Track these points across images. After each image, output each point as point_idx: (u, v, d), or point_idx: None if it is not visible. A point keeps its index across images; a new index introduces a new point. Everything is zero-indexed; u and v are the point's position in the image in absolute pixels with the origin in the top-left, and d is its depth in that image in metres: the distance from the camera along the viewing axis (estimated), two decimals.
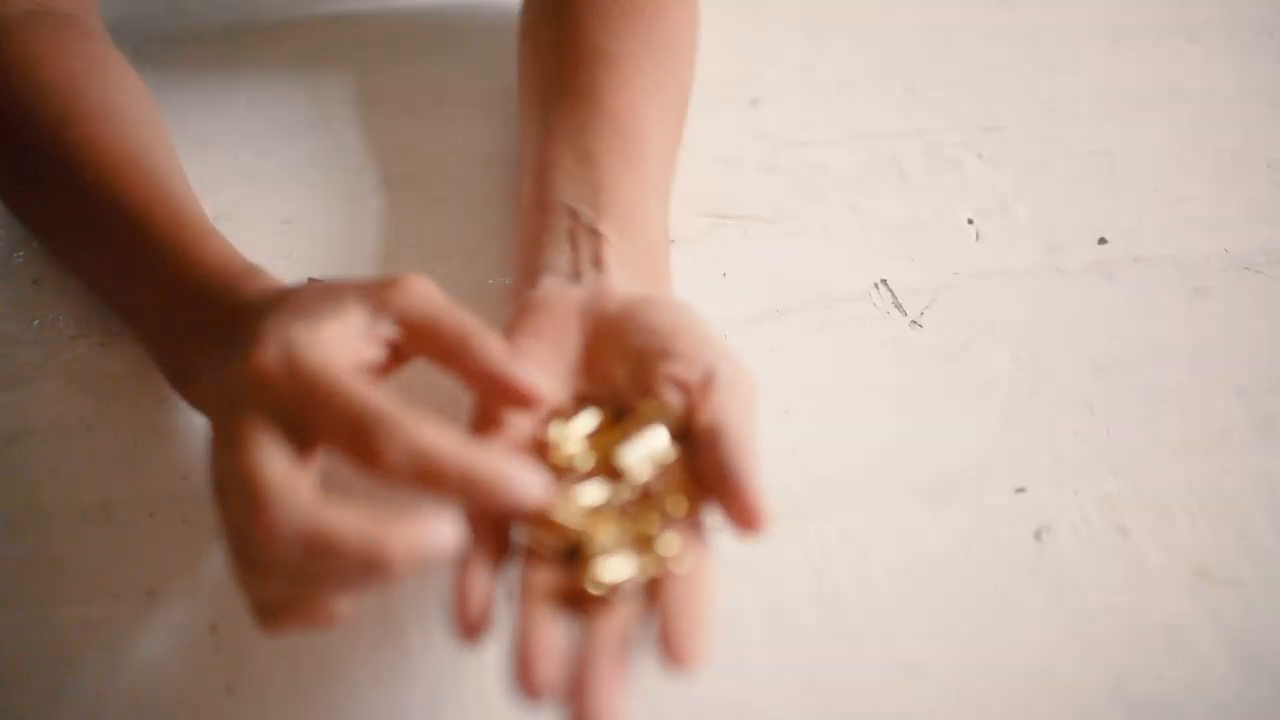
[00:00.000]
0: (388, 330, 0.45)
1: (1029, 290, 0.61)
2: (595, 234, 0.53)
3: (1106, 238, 0.63)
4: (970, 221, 0.64)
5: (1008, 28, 0.75)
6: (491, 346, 0.44)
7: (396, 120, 0.69)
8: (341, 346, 0.43)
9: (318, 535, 0.38)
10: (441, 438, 0.39)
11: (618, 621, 0.40)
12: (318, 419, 0.40)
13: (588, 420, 0.46)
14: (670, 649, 0.38)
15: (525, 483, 0.40)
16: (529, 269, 0.53)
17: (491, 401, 0.45)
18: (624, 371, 0.47)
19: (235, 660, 0.47)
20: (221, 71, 0.71)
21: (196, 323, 0.48)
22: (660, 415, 0.45)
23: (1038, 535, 0.51)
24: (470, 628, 0.39)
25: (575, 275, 0.51)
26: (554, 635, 0.40)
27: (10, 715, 0.46)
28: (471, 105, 0.69)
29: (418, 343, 0.45)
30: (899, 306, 0.60)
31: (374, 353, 0.45)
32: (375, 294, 0.44)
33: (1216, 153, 0.67)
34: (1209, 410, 0.56)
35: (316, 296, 0.45)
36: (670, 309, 0.48)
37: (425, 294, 0.45)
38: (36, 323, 0.59)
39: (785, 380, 0.57)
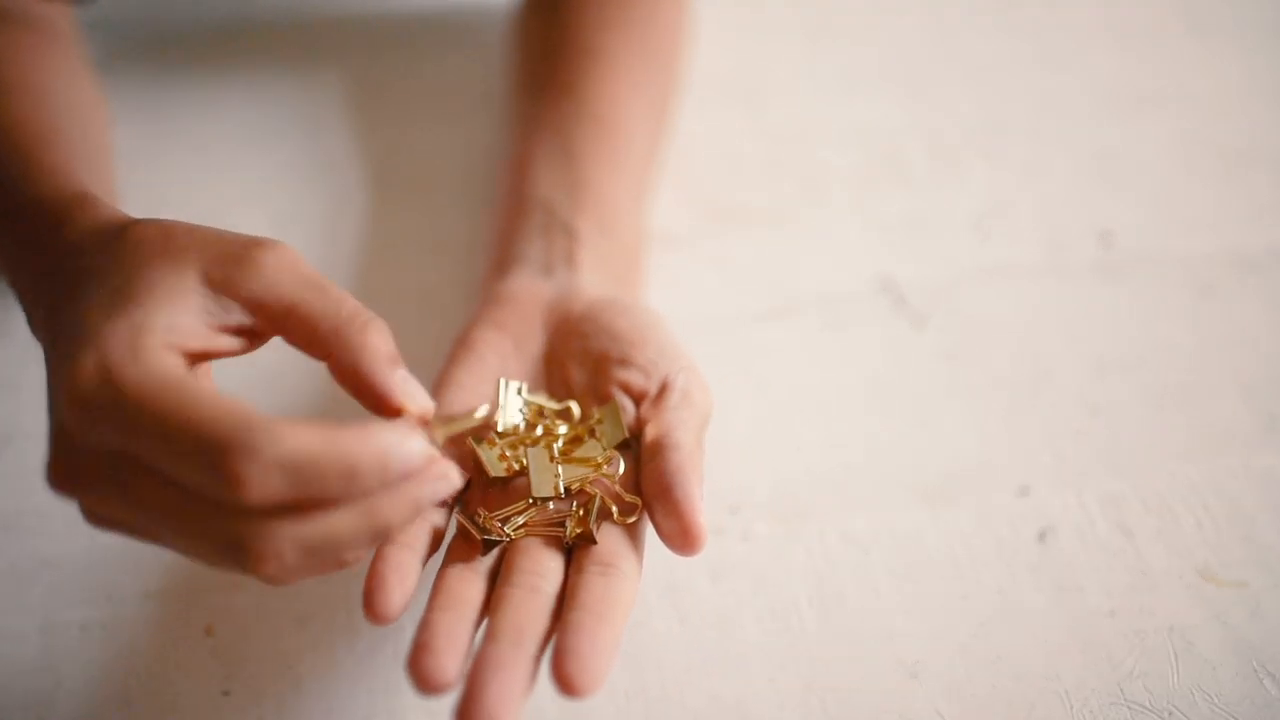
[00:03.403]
0: (238, 317, 0.39)
1: (1031, 290, 0.60)
2: (570, 230, 0.53)
3: (1110, 237, 0.63)
4: (973, 220, 0.64)
5: (1010, 25, 0.75)
6: (370, 344, 0.39)
7: (390, 119, 0.69)
8: (177, 340, 0.37)
9: (309, 468, 0.34)
10: (309, 438, 0.34)
11: (520, 615, 0.39)
12: (154, 452, 0.34)
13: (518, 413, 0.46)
14: (562, 671, 0.37)
15: (409, 452, 0.35)
16: (501, 260, 0.53)
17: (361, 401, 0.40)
18: (582, 374, 0.47)
19: (232, 663, 0.47)
20: (216, 71, 0.71)
21: (37, 259, 0.43)
22: (610, 425, 0.45)
23: (1041, 536, 0.51)
24: (380, 611, 0.38)
25: (547, 270, 0.51)
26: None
27: (6, 718, 0.46)
28: (465, 104, 0.69)
29: (276, 327, 0.39)
30: (900, 306, 0.60)
31: (222, 342, 0.39)
32: (221, 271, 0.38)
33: (1221, 151, 0.67)
34: (1213, 410, 0.55)
35: (151, 263, 0.38)
36: (634, 315, 0.48)
37: (284, 271, 0.39)
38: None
39: (786, 380, 0.57)
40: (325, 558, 0.36)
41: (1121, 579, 0.49)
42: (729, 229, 0.63)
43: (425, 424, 0.40)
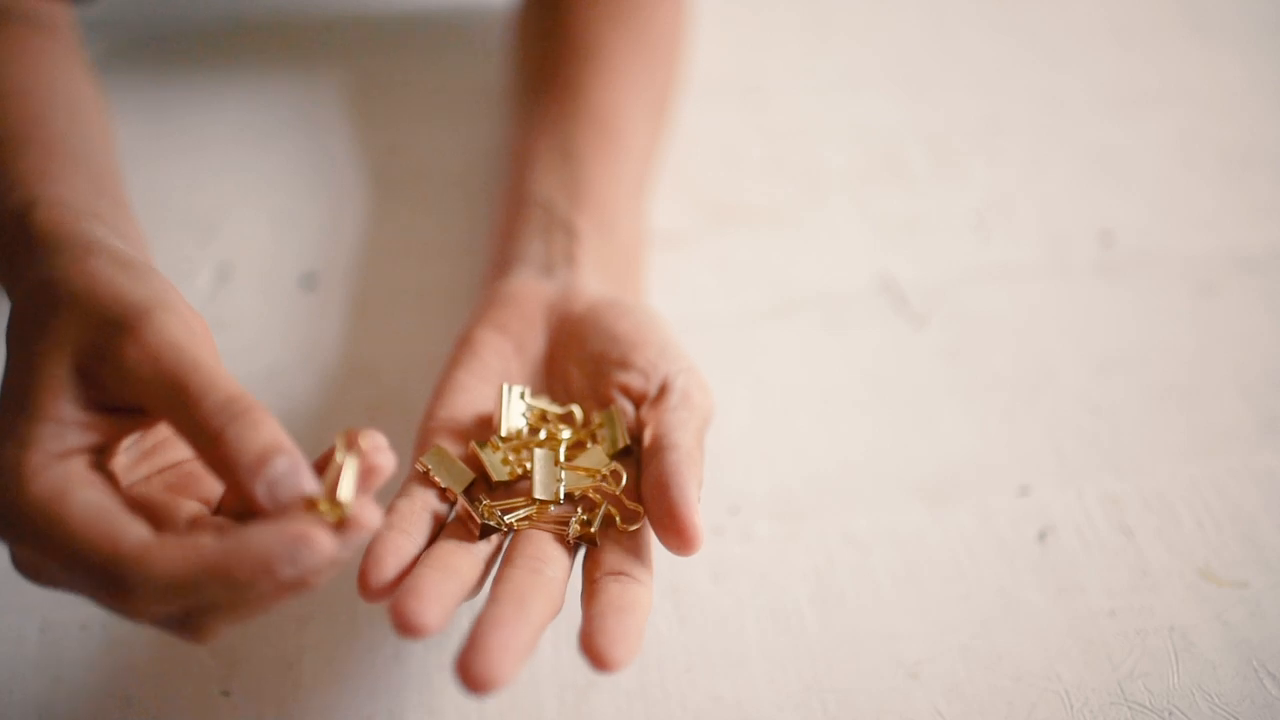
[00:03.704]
0: (117, 400, 0.37)
1: (1032, 289, 0.60)
2: (570, 228, 0.53)
3: (1110, 236, 0.63)
4: (973, 219, 0.64)
5: (1012, 24, 0.75)
6: (229, 451, 0.35)
7: (390, 119, 0.69)
8: (67, 442, 0.36)
9: (186, 586, 0.34)
10: (182, 557, 0.34)
11: (523, 587, 0.39)
12: (55, 566, 0.36)
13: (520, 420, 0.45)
14: (592, 645, 0.37)
15: (307, 556, 0.34)
16: (501, 259, 0.53)
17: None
18: (582, 377, 0.47)
19: (231, 662, 0.47)
20: (216, 70, 0.71)
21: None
22: (610, 430, 0.45)
23: (1041, 536, 0.51)
24: (374, 588, 0.38)
25: (547, 269, 0.51)
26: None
27: (6, 718, 0.46)
28: (464, 104, 0.69)
29: (157, 421, 0.38)
30: (900, 306, 0.60)
31: (118, 422, 0.38)
32: (89, 364, 0.37)
33: (1222, 151, 0.67)
34: (1214, 410, 0.55)
35: (34, 353, 0.37)
36: (635, 317, 0.48)
37: (145, 366, 0.36)
38: None
39: (786, 380, 0.57)
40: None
41: (1122, 579, 0.49)
42: (729, 229, 0.63)
43: (310, 507, 0.36)
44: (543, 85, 0.60)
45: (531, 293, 0.50)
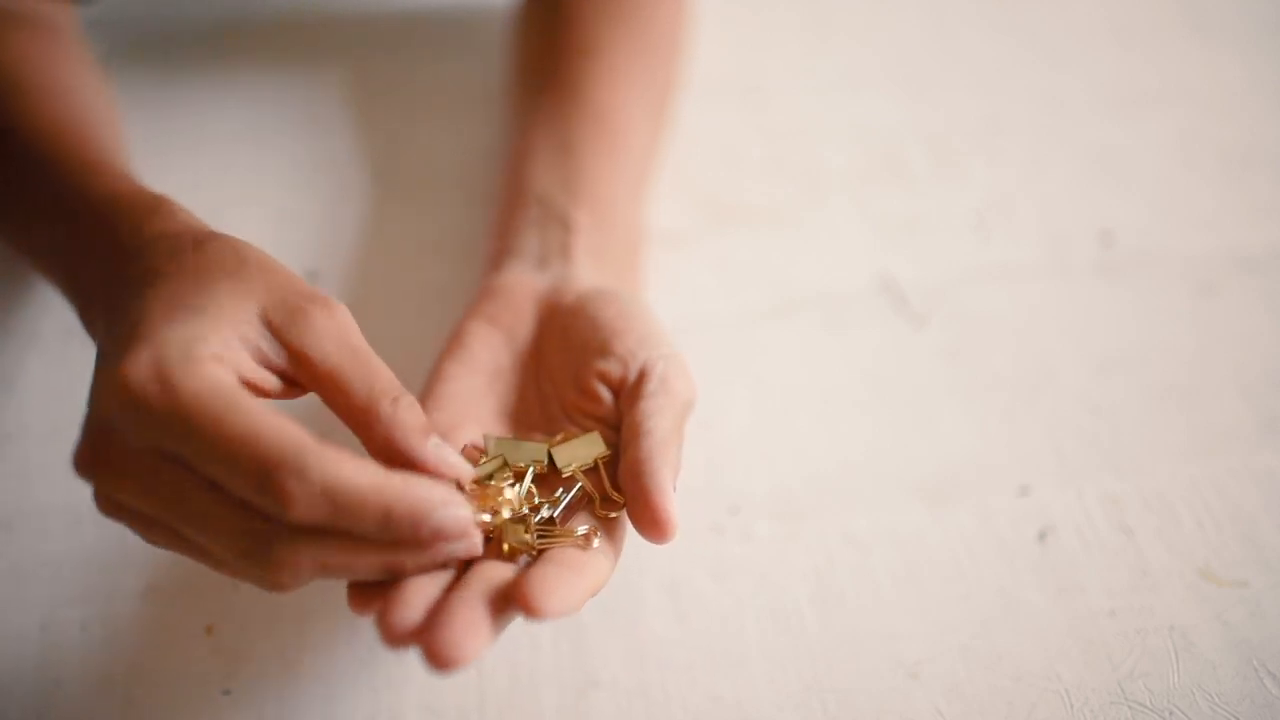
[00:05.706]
0: (280, 361, 0.40)
1: (1032, 289, 0.60)
2: (566, 223, 0.53)
3: (1110, 236, 0.63)
4: (973, 219, 0.64)
5: (1012, 24, 0.75)
6: (400, 419, 0.39)
7: (390, 118, 0.69)
8: (226, 361, 0.38)
9: (340, 494, 0.35)
10: (358, 472, 0.35)
11: (489, 572, 0.39)
12: (204, 457, 0.35)
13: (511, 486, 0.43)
14: (522, 592, 0.37)
15: (453, 518, 0.36)
16: (498, 253, 0.53)
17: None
18: (565, 365, 0.47)
19: (232, 661, 0.47)
20: (217, 69, 0.71)
21: (98, 256, 0.43)
22: (581, 446, 0.44)
23: (1041, 536, 0.51)
24: (397, 634, 0.37)
25: (542, 262, 0.51)
26: (431, 585, 0.38)
27: (6, 717, 0.46)
28: (465, 102, 0.69)
29: (315, 386, 0.40)
30: (900, 306, 0.60)
31: (266, 379, 0.40)
32: (277, 316, 0.39)
33: (1221, 151, 0.67)
34: (1214, 410, 0.55)
35: (218, 284, 0.39)
36: (620, 306, 0.47)
37: (331, 335, 0.39)
38: (28, 322, 0.59)
39: (786, 380, 0.57)
40: (335, 577, 0.37)
41: (1122, 578, 0.49)
42: (729, 228, 0.63)
43: (461, 488, 0.40)
44: (542, 82, 0.60)
45: (523, 285, 0.50)
